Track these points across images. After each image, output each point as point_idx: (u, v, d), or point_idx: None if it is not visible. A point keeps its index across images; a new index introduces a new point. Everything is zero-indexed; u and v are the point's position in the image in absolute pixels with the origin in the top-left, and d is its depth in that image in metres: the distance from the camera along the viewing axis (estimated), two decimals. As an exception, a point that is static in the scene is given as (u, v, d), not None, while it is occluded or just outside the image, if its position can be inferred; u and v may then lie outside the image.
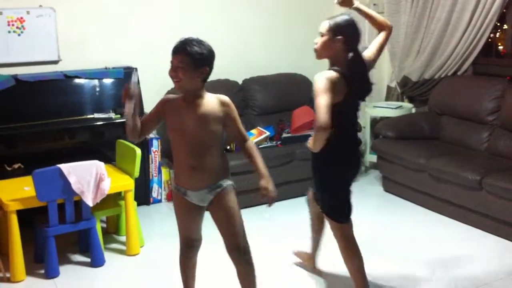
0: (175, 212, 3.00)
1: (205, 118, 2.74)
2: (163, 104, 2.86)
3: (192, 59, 2.65)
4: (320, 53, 3.05)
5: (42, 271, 3.80)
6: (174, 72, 2.70)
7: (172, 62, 2.71)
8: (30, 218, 3.94)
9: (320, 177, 3.20)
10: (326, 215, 3.27)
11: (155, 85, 5.24)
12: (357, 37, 3.04)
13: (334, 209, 3.22)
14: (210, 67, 2.74)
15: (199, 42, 2.69)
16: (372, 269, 3.79)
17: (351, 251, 3.24)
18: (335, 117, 2.82)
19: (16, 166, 4.35)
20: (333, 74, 2.93)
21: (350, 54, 3.00)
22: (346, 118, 3.07)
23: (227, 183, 2.88)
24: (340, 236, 3.22)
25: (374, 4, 6.09)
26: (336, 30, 2.99)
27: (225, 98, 2.82)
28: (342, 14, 3.09)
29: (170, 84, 5.27)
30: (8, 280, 3.71)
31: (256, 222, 4.49)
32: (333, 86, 2.87)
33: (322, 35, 3.03)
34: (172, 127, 2.82)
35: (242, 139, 2.91)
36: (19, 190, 3.79)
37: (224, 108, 2.79)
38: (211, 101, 2.78)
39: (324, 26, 3.03)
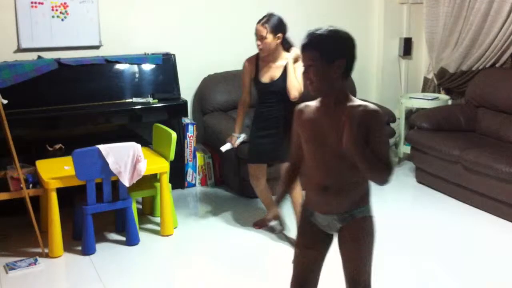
0: (296, 239, 2.54)
1: (338, 129, 2.20)
2: (298, 116, 2.36)
3: (321, 52, 2.16)
4: (267, 50, 3.82)
5: (79, 248, 3.94)
6: (306, 73, 2.23)
7: (303, 62, 2.25)
8: (70, 197, 4.09)
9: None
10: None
11: (192, 71, 5.36)
12: (287, 28, 3.85)
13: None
14: (349, 57, 2.21)
15: (328, 30, 2.18)
16: (403, 259, 3.82)
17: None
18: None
19: (57, 146, 4.50)
20: None
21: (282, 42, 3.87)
22: None
23: (362, 213, 2.35)
24: None
25: (414, -5, 6.08)
26: (276, 30, 3.78)
27: (373, 108, 2.22)
28: (271, 15, 3.80)
29: (207, 71, 5.46)
30: (46, 255, 3.86)
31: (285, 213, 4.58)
32: None
33: (263, 38, 3.77)
34: (306, 139, 2.33)
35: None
36: (60, 170, 3.93)
37: (367, 120, 2.18)
38: (356, 109, 2.21)
39: (263, 30, 3.76)
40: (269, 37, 3.77)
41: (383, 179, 2.19)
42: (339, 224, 2.35)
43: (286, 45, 3.90)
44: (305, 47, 2.20)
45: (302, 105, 2.38)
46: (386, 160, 2.19)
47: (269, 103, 3.95)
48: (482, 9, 5.26)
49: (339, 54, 2.17)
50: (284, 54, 3.89)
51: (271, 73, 3.90)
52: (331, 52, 2.16)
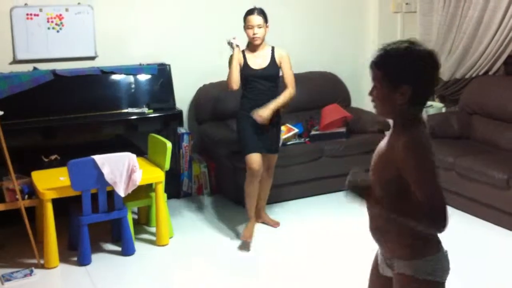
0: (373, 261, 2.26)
1: (384, 157, 1.96)
2: None
3: (384, 73, 1.90)
4: (262, 39, 4.15)
5: (75, 259, 3.95)
6: (371, 93, 1.99)
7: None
8: (66, 208, 4.10)
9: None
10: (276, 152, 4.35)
11: (188, 81, 5.37)
12: None
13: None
14: (418, 84, 1.87)
15: (401, 48, 1.89)
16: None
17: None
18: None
19: (52, 157, 4.51)
20: None
21: None
22: None
23: (403, 268, 1.99)
24: None
25: (407, 4, 6.11)
26: (266, 20, 4.14)
27: (408, 140, 1.88)
28: (255, 8, 4.11)
29: (202, 81, 5.47)
30: (42, 266, 3.87)
31: (286, 217, 4.60)
32: None
33: (261, 27, 4.09)
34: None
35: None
36: (55, 180, 3.94)
37: (399, 151, 1.88)
38: (397, 142, 1.90)
39: (260, 19, 4.08)
40: (264, 26, 4.13)
41: (426, 224, 1.92)
42: (387, 268, 2.08)
43: None
44: (371, 64, 1.95)
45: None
46: (427, 200, 1.87)
47: (256, 88, 4.21)
48: (475, 18, 5.30)
49: (405, 79, 1.86)
50: (266, 44, 4.23)
51: (259, 61, 4.20)
52: (396, 76, 1.88)
